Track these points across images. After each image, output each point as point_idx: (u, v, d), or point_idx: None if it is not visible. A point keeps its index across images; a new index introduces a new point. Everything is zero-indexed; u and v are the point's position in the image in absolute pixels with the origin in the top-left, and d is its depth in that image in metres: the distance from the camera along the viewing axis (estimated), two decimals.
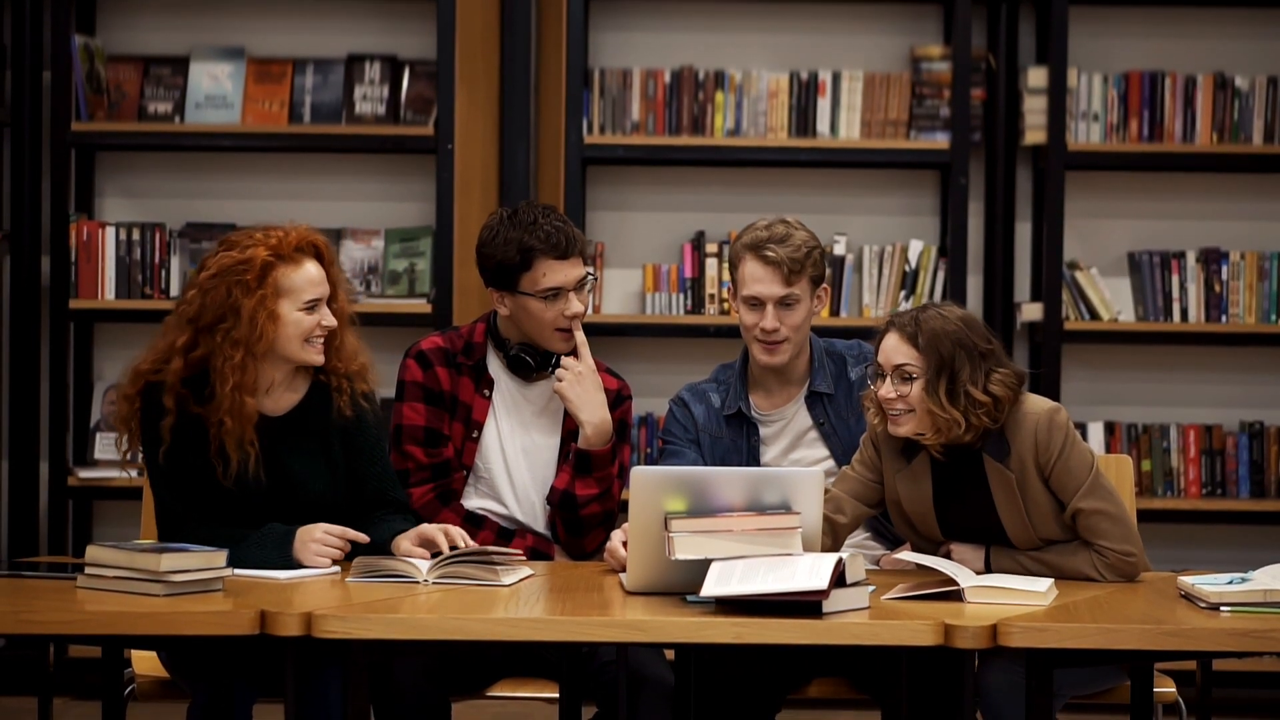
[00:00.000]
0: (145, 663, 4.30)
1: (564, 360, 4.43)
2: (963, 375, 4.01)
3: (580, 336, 4.43)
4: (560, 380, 4.41)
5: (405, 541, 4.13)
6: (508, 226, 4.42)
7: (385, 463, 4.32)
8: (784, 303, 4.42)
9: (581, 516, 4.43)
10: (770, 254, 4.41)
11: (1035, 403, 4.09)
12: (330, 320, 4.19)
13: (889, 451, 4.16)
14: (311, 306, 4.17)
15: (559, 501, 4.44)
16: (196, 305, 4.14)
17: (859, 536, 4.48)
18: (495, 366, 4.51)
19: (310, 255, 4.20)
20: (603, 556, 4.29)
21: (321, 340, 4.19)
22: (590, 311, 4.61)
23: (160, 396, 4.13)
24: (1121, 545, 4.03)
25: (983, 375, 4.03)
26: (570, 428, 4.47)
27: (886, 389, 4.06)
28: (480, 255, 4.46)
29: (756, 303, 4.43)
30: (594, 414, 4.40)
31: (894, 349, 4.07)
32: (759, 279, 4.42)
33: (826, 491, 4.18)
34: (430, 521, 4.30)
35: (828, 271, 4.55)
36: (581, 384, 4.40)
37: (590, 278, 4.46)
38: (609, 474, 4.43)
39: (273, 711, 3.78)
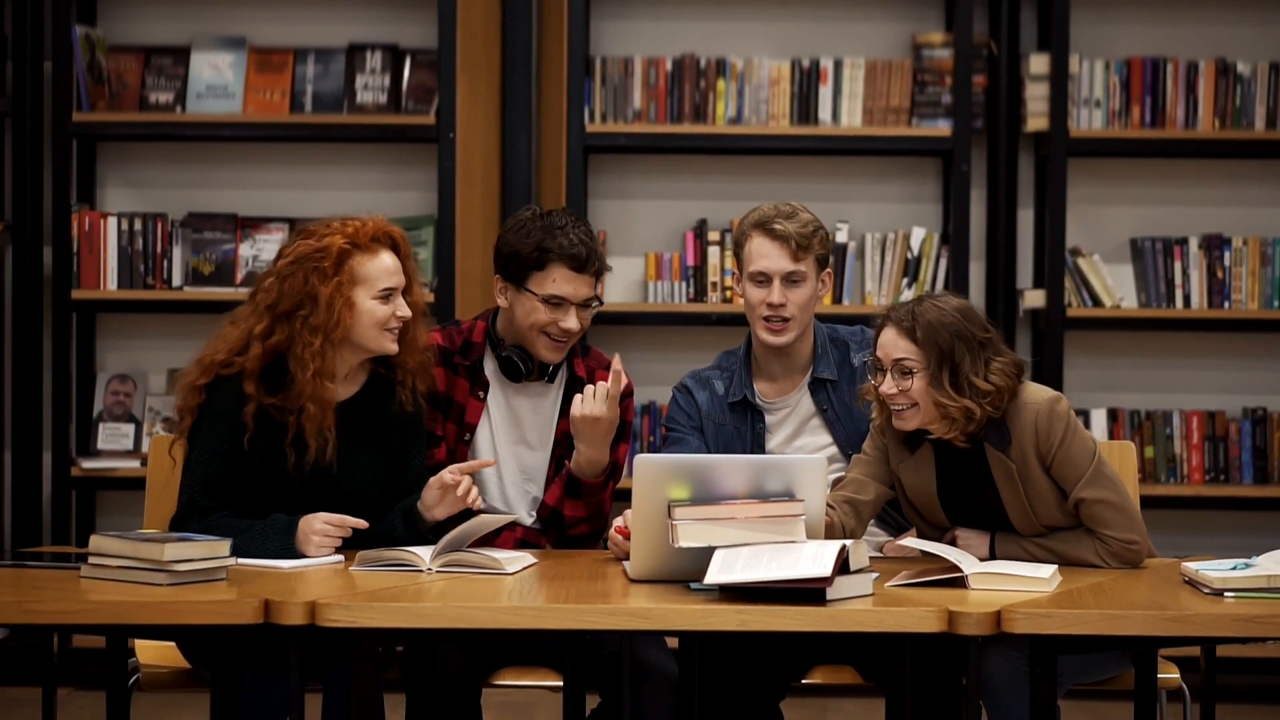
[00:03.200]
0: (149, 652, 4.30)
1: (592, 391, 4.32)
2: (964, 365, 4.01)
3: (613, 384, 4.30)
4: (579, 408, 4.31)
5: (431, 490, 4.16)
6: (536, 223, 4.40)
7: (424, 457, 4.34)
8: (790, 279, 4.42)
9: (569, 535, 4.43)
10: (778, 228, 4.41)
11: (1035, 392, 4.08)
12: (405, 311, 4.19)
13: (893, 442, 4.16)
14: (386, 296, 4.17)
15: (548, 517, 4.43)
16: (275, 292, 4.15)
17: None
18: (491, 368, 4.50)
19: (386, 245, 4.21)
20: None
21: (397, 330, 4.19)
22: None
23: (236, 385, 4.13)
24: (1125, 534, 4.03)
25: (983, 365, 4.02)
26: (564, 430, 4.45)
27: (888, 384, 4.05)
28: (501, 240, 4.44)
29: (763, 279, 4.42)
30: (593, 447, 4.34)
31: (892, 343, 4.06)
32: (766, 254, 4.42)
33: (846, 474, 4.19)
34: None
35: (832, 257, 4.54)
36: (596, 427, 4.32)
37: (596, 301, 4.44)
38: (599, 500, 4.41)
39: (310, 700, 3.78)
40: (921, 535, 4.19)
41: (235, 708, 4.04)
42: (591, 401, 4.29)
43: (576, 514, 4.40)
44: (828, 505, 4.08)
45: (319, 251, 4.15)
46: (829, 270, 4.50)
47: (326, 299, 4.12)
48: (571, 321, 4.38)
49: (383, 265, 4.19)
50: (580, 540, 4.43)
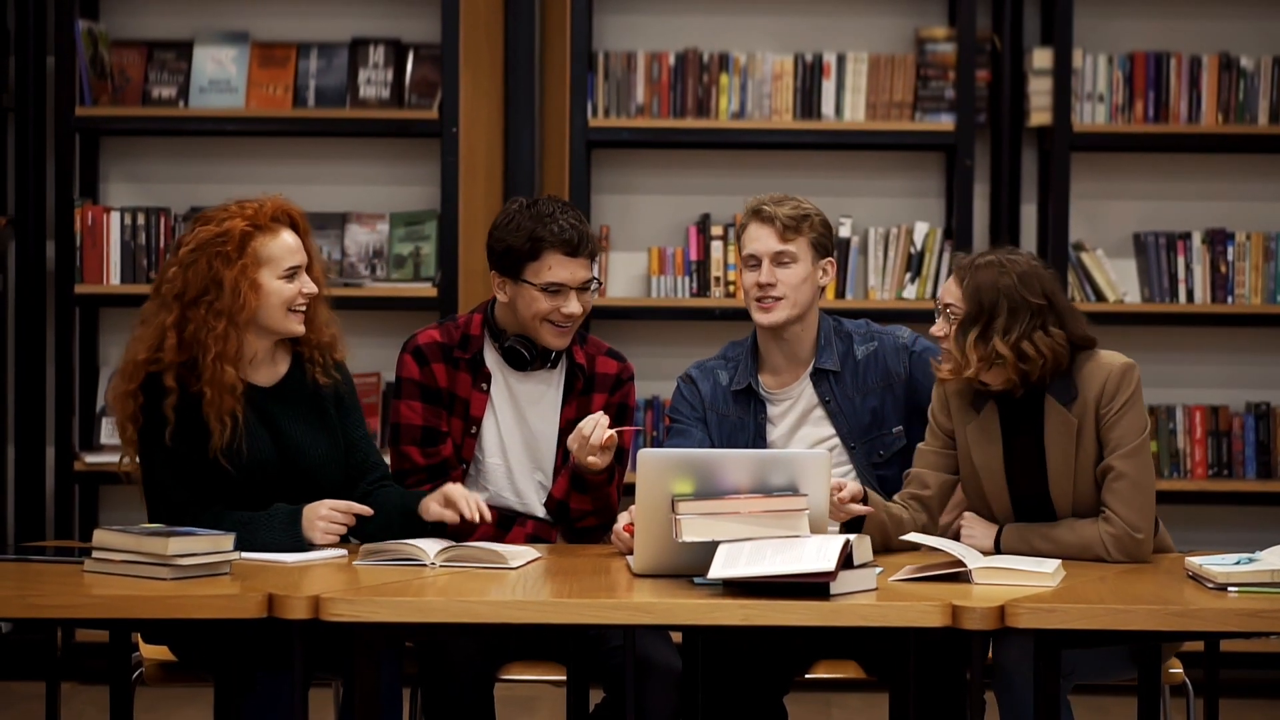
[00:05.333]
0: (153, 647, 4.30)
1: (592, 426, 4.26)
2: (996, 324, 4.05)
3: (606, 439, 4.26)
4: (580, 454, 4.27)
5: (433, 504, 4.14)
6: (524, 214, 4.41)
7: (365, 427, 4.35)
8: (779, 260, 4.44)
9: (576, 528, 4.43)
10: (766, 211, 4.47)
11: (1112, 356, 4.13)
12: (311, 287, 4.20)
13: (959, 406, 4.19)
14: (291, 274, 4.18)
15: (555, 510, 4.43)
16: (180, 281, 4.14)
17: None
18: (492, 359, 4.49)
19: (286, 225, 4.21)
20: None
21: (303, 309, 4.19)
22: (595, 296, 4.59)
23: (160, 380, 4.12)
24: (1133, 517, 4.02)
25: (1020, 331, 4.04)
26: (569, 419, 4.45)
27: (938, 326, 4.15)
28: (492, 237, 4.45)
29: (755, 262, 4.45)
30: (585, 459, 4.29)
31: (947, 288, 4.15)
32: (756, 237, 4.46)
33: (910, 471, 4.25)
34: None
35: (835, 250, 4.55)
36: (593, 453, 4.26)
37: (595, 282, 4.45)
38: (605, 493, 4.41)
39: (322, 697, 3.78)
40: (973, 509, 4.20)
41: (240, 704, 4.04)
42: (590, 453, 4.25)
43: (583, 507, 4.41)
44: (899, 503, 4.19)
45: (220, 236, 4.14)
46: (830, 260, 4.50)
47: (231, 283, 4.11)
48: (573, 306, 4.39)
49: (285, 244, 4.19)
50: (589, 533, 4.43)
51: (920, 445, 4.28)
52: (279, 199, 4.22)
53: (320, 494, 4.14)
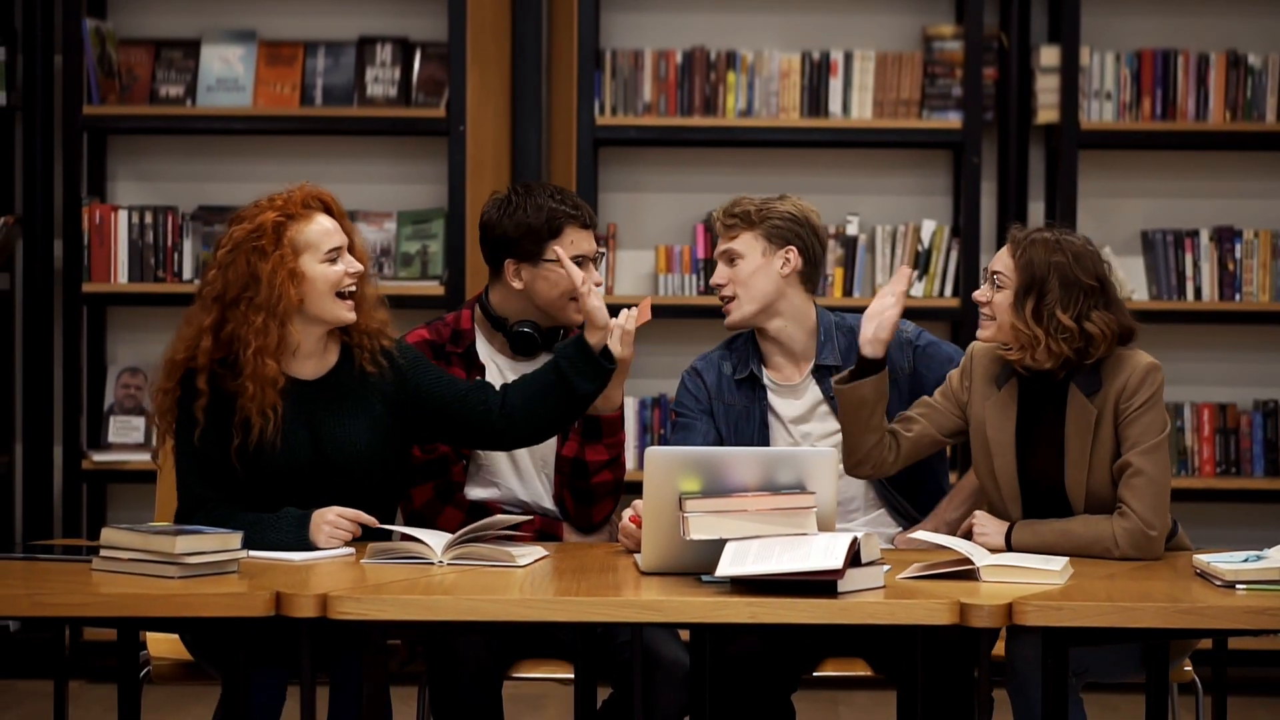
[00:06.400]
0: (161, 645, 4.30)
1: (621, 323, 4.29)
2: (1050, 298, 4.08)
3: (634, 323, 4.29)
4: (624, 330, 4.28)
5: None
6: (525, 199, 4.42)
7: (450, 377, 4.29)
8: (727, 258, 4.49)
9: (593, 485, 4.43)
10: (714, 214, 4.55)
11: (1141, 355, 4.15)
12: (356, 265, 4.17)
13: (982, 379, 4.22)
14: (334, 257, 4.16)
15: (570, 468, 4.43)
16: (219, 283, 4.14)
17: (875, 514, 4.48)
18: (485, 351, 4.50)
19: (319, 209, 4.19)
20: (611, 531, 4.29)
21: (353, 292, 4.17)
22: (603, 292, 4.61)
23: (195, 381, 4.13)
24: (1148, 514, 4.02)
25: (1075, 306, 4.07)
26: None
27: (981, 291, 4.18)
28: (500, 227, 4.43)
29: (716, 265, 4.53)
30: (609, 385, 4.36)
31: (998, 256, 4.18)
32: (716, 243, 4.55)
33: (906, 411, 4.30)
34: (433, 522, 4.34)
35: (807, 238, 4.52)
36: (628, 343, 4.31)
37: (601, 255, 4.50)
38: (618, 440, 4.44)
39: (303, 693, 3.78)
40: (983, 489, 4.22)
41: (247, 702, 4.04)
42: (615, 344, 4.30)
43: (598, 458, 4.41)
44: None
45: (254, 232, 4.13)
46: (791, 248, 4.49)
47: (269, 275, 4.09)
48: (595, 275, 4.43)
49: (321, 228, 4.16)
50: (603, 490, 4.44)
51: (929, 399, 4.31)
52: (307, 186, 4.21)
53: (354, 489, 4.14)
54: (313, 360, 4.20)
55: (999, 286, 4.14)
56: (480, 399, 4.24)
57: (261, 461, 4.12)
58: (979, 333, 4.20)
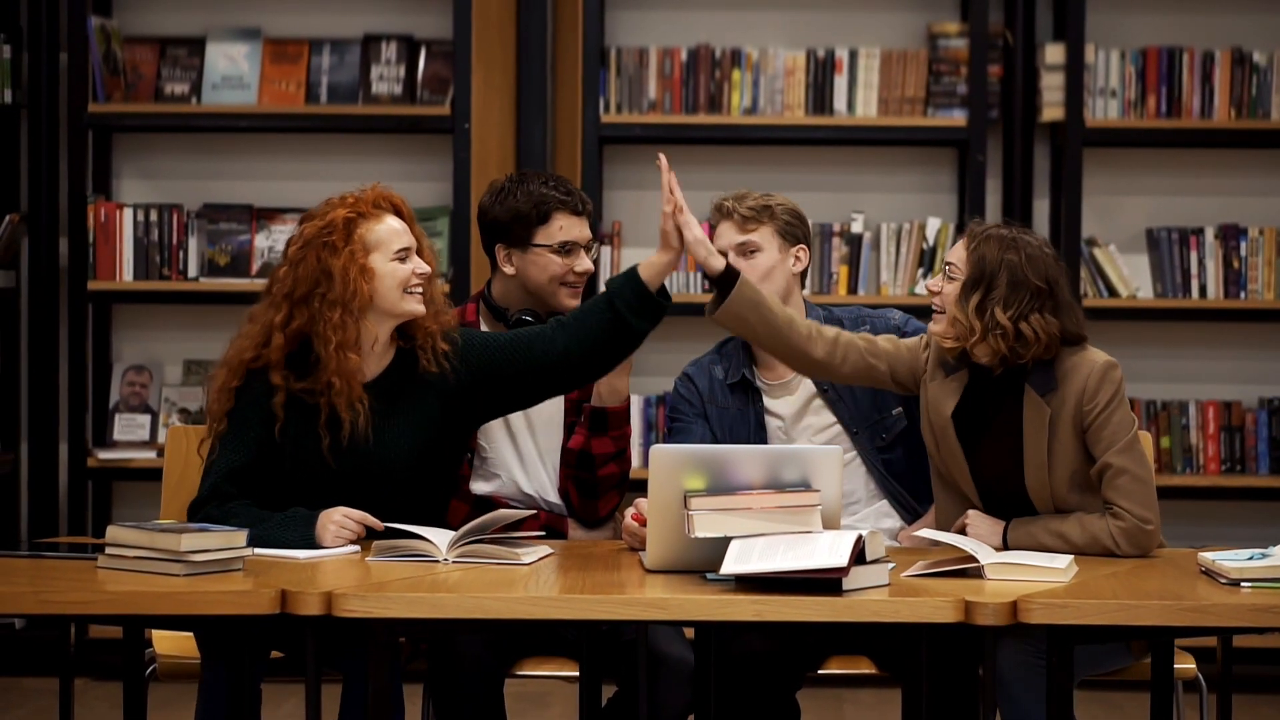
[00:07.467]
0: (166, 643, 4.31)
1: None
2: (995, 294, 4.08)
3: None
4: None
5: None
6: (518, 186, 4.46)
7: (497, 334, 4.29)
8: (743, 251, 4.47)
9: (599, 477, 4.43)
10: (726, 206, 4.52)
11: (1095, 354, 4.14)
12: (424, 267, 4.18)
13: (936, 359, 4.23)
14: (403, 256, 4.17)
15: (576, 461, 4.44)
16: (290, 280, 4.14)
17: (877, 504, 4.48)
18: None
19: (389, 210, 4.20)
20: (616, 527, 4.28)
21: (420, 290, 4.18)
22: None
23: (264, 379, 4.12)
24: (1141, 510, 4.03)
25: (1017, 306, 4.07)
26: (574, 397, 4.47)
27: (933, 281, 4.19)
28: (492, 212, 4.46)
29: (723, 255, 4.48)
30: (614, 373, 4.37)
31: (954, 248, 4.19)
32: (721, 233, 4.52)
33: (872, 336, 4.31)
34: (435, 518, 4.33)
35: (808, 237, 4.55)
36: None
37: (595, 244, 4.51)
38: (625, 433, 4.45)
39: (327, 692, 3.78)
40: (938, 474, 4.22)
41: (251, 701, 4.04)
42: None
43: (605, 450, 4.42)
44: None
45: (325, 228, 4.14)
46: (803, 247, 4.50)
47: (341, 271, 4.10)
48: (586, 263, 4.45)
49: (391, 228, 4.17)
50: (609, 483, 4.44)
51: (897, 339, 4.31)
52: (378, 187, 4.22)
53: (390, 489, 4.14)
54: (374, 360, 4.21)
55: (950, 278, 4.16)
56: (542, 345, 4.22)
57: (355, 459, 4.12)
58: (931, 326, 4.20)
